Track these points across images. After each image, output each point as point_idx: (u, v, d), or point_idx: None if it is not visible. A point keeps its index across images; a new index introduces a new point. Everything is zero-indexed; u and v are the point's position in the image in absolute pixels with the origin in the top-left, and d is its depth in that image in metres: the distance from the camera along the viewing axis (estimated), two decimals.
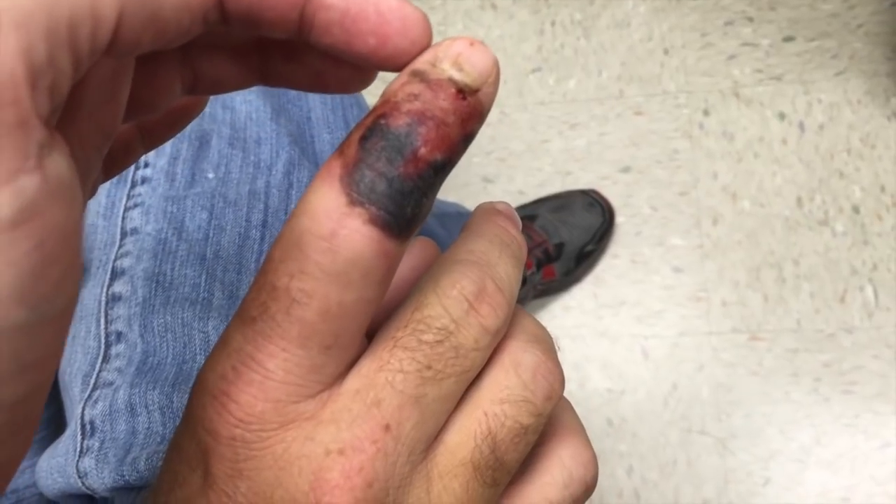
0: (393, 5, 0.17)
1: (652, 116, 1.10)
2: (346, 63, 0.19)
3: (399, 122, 0.17)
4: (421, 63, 0.18)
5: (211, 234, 0.39)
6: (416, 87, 0.17)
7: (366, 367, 0.19)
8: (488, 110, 0.18)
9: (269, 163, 0.43)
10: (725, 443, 0.98)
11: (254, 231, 0.40)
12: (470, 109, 0.18)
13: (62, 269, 0.14)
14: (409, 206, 0.17)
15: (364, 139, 0.17)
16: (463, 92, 0.18)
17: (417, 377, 0.18)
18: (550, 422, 0.22)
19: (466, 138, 0.18)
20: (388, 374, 0.18)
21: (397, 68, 0.18)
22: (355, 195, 0.17)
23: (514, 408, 0.20)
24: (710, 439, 0.98)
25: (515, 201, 1.10)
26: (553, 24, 1.17)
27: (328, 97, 0.48)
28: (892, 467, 0.94)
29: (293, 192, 0.43)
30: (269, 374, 0.18)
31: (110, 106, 0.19)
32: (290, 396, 0.18)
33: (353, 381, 0.18)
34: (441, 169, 0.18)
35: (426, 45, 0.18)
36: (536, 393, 0.20)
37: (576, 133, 1.12)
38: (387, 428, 0.18)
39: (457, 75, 0.18)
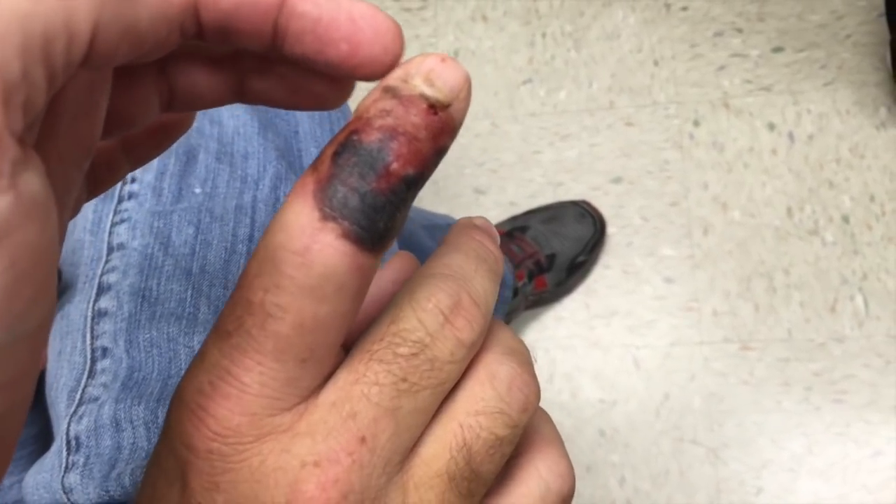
0: (365, 13, 0.18)
1: (642, 127, 1.11)
2: (320, 77, 0.19)
3: (371, 138, 0.17)
4: (393, 79, 0.18)
5: (197, 249, 0.39)
6: (388, 104, 0.18)
7: (342, 379, 0.19)
8: (460, 125, 0.19)
9: (257, 177, 0.43)
10: (717, 452, 0.98)
11: (240, 245, 0.40)
12: (441, 124, 0.18)
13: (35, 288, 0.14)
14: (382, 221, 0.17)
15: (337, 154, 0.17)
16: (434, 107, 0.18)
17: (393, 389, 0.19)
18: (527, 433, 0.22)
19: (438, 152, 0.18)
20: (363, 387, 0.18)
21: (369, 76, 0.18)
22: (328, 210, 0.17)
23: (490, 419, 0.20)
24: (703, 449, 0.98)
25: (507, 212, 1.11)
26: (544, 35, 1.18)
27: (316, 111, 0.48)
28: (884, 476, 0.94)
29: (280, 207, 0.43)
30: (246, 388, 0.18)
31: (88, 120, 0.19)
32: (266, 409, 0.18)
33: (330, 393, 0.19)
34: (413, 183, 0.18)
35: (398, 53, 0.18)
36: (512, 405, 0.20)
37: (567, 144, 1.12)
38: (362, 440, 0.18)
39: (428, 91, 0.18)
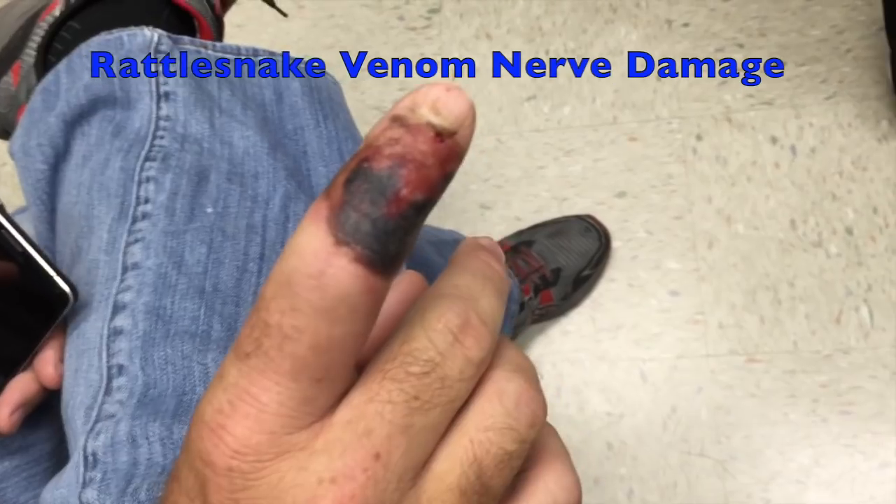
0: None
1: (646, 142, 1.12)
2: None
3: (381, 165, 0.18)
4: (400, 109, 0.19)
5: (210, 268, 0.40)
6: (397, 132, 0.18)
7: (356, 398, 0.19)
8: (465, 151, 0.19)
9: (267, 197, 0.44)
10: (725, 465, 0.98)
11: (252, 264, 0.41)
12: (448, 151, 0.19)
13: None
14: (393, 245, 0.18)
15: (349, 182, 0.18)
16: (441, 135, 0.19)
17: (405, 407, 0.19)
18: (535, 447, 0.23)
19: (445, 178, 0.19)
20: (377, 405, 0.19)
21: None
22: (341, 235, 0.17)
23: (499, 435, 0.20)
24: (710, 461, 0.98)
25: (512, 227, 1.11)
26: (547, 52, 1.19)
27: (324, 131, 0.49)
28: (892, 487, 0.94)
29: (290, 226, 0.44)
30: (264, 407, 0.18)
31: None
32: (284, 428, 0.19)
33: (344, 412, 0.19)
34: (422, 208, 0.18)
35: None
36: (520, 420, 0.21)
37: (571, 159, 1.13)
38: (377, 456, 0.19)
39: (435, 119, 0.18)
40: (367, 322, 0.19)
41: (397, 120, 0.18)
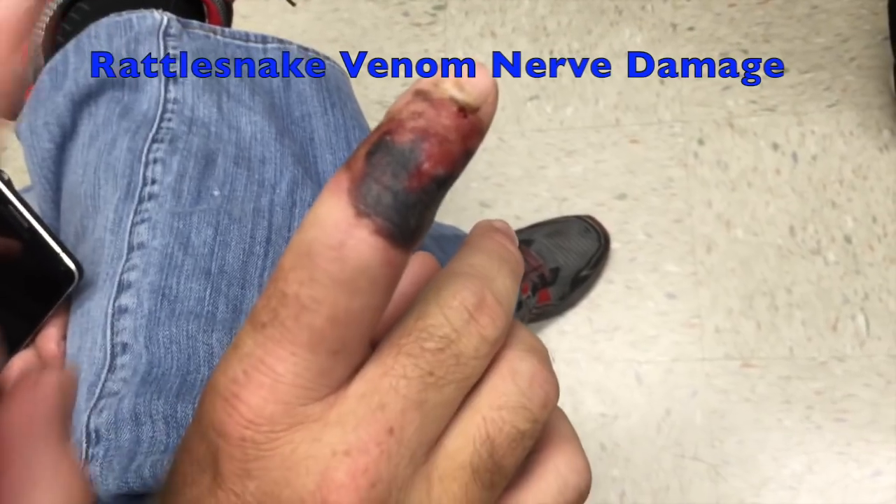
0: None
1: (647, 145, 1.12)
2: None
3: (404, 139, 0.18)
4: (424, 83, 0.19)
5: (216, 250, 0.40)
6: (420, 106, 0.18)
7: (371, 372, 0.19)
8: (487, 127, 0.19)
9: (274, 181, 0.44)
10: (718, 469, 0.98)
11: (258, 247, 0.41)
12: (470, 127, 0.19)
13: None
14: (414, 218, 0.18)
15: (370, 154, 0.18)
16: (464, 110, 0.19)
17: (420, 383, 0.19)
18: (546, 430, 0.23)
19: (467, 154, 0.19)
20: (392, 380, 0.19)
21: None
22: (362, 207, 0.17)
23: (512, 414, 0.20)
24: (703, 465, 0.98)
25: (512, 226, 1.11)
26: (551, 52, 1.19)
27: (331, 119, 0.49)
28: (885, 495, 0.94)
29: (296, 211, 0.44)
30: (280, 378, 0.18)
31: None
32: (299, 399, 0.18)
33: (359, 385, 0.19)
34: (443, 183, 0.18)
35: None
36: (533, 400, 0.21)
37: (572, 160, 1.13)
38: (390, 431, 0.19)
39: (458, 95, 0.18)
40: (385, 295, 0.19)
41: (420, 94, 0.18)
